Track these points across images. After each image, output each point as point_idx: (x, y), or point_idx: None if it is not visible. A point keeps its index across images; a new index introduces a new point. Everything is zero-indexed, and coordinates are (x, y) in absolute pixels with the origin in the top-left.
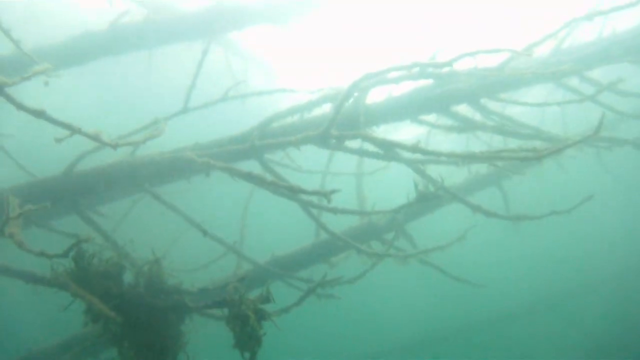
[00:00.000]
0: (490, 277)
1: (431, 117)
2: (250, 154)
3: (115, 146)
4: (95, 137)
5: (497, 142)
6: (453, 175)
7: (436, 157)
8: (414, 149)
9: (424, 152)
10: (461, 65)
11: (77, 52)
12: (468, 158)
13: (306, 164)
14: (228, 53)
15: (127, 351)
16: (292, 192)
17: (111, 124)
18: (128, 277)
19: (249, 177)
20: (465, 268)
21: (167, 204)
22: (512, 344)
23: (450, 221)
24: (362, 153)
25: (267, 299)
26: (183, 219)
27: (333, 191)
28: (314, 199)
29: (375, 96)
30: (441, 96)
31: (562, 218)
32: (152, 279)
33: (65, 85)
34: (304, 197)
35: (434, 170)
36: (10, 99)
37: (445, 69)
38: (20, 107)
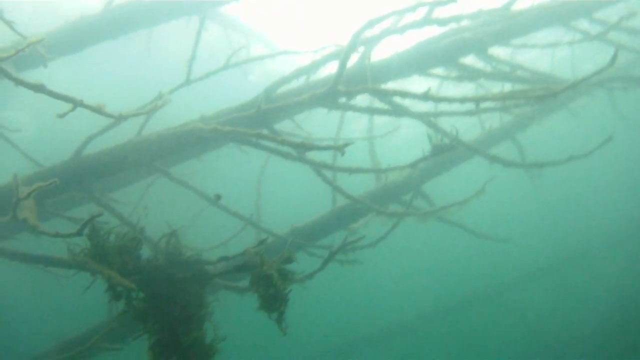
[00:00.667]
0: (512, 234)
1: (439, 72)
2: (257, 120)
3: (119, 118)
4: (97, 110)
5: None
6: (467, 133)
7: (448, 103)
8: (425, 96)
9: (436, 99)
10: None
11: (74, 39)
12: (482, 99)
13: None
14: (228, 30)
15: (152, 326)
16: (303, 149)
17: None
18: (145, 253)
19: (258, 136)
20: (484, 227)
21: (179, 180)
22: (538, 302)
23: (465, 182)
24: (372, 111)
25: (288, 259)
26: (196, 194)
27: (346, 144)
28: (327, 158)
29: (382, 54)
30: (447, 48)
31: (581, 169)
32: (170, 251)
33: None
34: (317, 159)
35: (446, 124)
36: (7, 74)
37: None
38: (18, 82)
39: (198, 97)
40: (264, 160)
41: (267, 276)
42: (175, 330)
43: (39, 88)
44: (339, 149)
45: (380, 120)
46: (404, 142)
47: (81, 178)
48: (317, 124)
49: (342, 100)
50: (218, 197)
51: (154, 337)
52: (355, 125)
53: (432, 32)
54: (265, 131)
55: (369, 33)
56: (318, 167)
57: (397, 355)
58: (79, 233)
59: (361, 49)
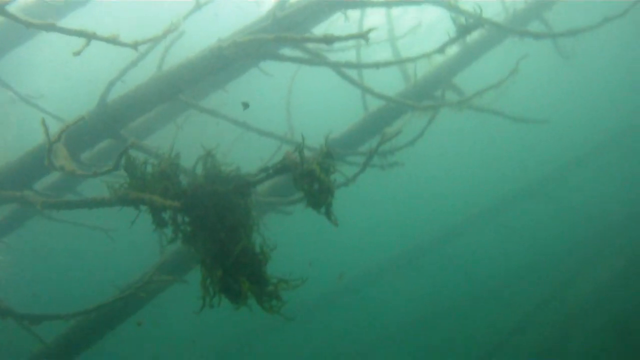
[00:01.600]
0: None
1: None
2: (274, 30)
3: (135, 46)
4: (112, 40)
5: None
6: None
7: None
8: None
9: None
10: None
11: None
12: None
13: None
14: None
15: (202, 246)
16: (326, 41)
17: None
18: (183, 181)
19: (278, 39)
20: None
21: (206, 109)
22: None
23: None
24: (390, 3)
25: (328, 154)
26: (226, 120)
27: (370, 30)
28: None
29: None
30: None
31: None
32: (208, 170)
33: None
34: (339, 60)
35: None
36: (14, 17)
37: None
38: (29, 25)
39: (211, 37)
40: (290, 80)
41: (310, 172)
42: (223, 242)
43: (49, 27)
44: (363, 35)
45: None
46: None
47: (109, 124)
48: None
49: None
50: (246, 105)
51: (204, 254)
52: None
53: None
54: (283, 34)
55: None
56: (342, 69)
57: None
58: (115, 167)
59: None
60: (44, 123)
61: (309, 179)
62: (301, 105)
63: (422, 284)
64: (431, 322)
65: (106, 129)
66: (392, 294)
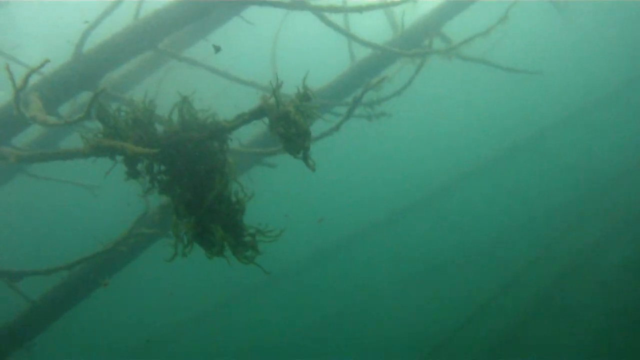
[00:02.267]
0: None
1: None
2: None
3: None
4: None
5: None
6: None
7: None
8: None
9: None
10: None
11: None
12: None
13: None
14: None
15: (180, 196)
16: None
17: None
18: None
19: None
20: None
21: (188, 59)
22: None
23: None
24: None
25: (305, 96)
26: (208, 70)
27: None
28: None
29: None
30: None
31: None
32: (184, 117)
33: None
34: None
35: None
36: None
37: None
38: None
39: None
40: (275, 31)
41: (285, 114)
42: (198, 189)
43: None
44: None
45: None
46: None
47: (86, 75)
48: None
49: None
50: (217, 48)
51: (178, 201)
52: None
53: None
54: None
55: None
56: (324, 13)
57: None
58: (87, 115)
59: None
60: (8, 69)
61: (285, 122)
62: (287, 57)
63: (412, 242)
64: (421, 280)
65: (82, 80)
66: (383, 252)
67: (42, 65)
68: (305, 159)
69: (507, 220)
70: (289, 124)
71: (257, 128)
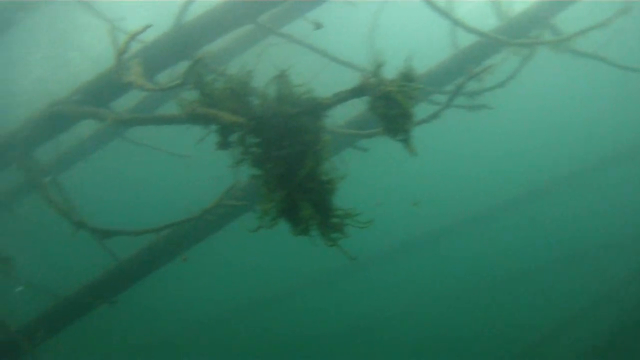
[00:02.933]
0: None
1: None
2: None
3: None
4: None
5: None
6: None
7: None
8: None
9: None
10: None
11: None
12: None
13: None
14: None
15: (272, 170)
16: None
17: None
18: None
19: None
20: None
21: (286, 35)
22: None
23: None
24: None
25: (408, 76)
26: (307, 48)
27: None
28: None
29: None
30: None
31: None
32: (280, 91)
33: None
34: None
35: None
36: None
37: None
38: None
39: None
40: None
41: (386, 94)
42: (290, 165)
43: None
44: None
45: None
46: None
47: (184, 45)
48: None
49: None
50: (319, 25)
51: (268, 175)
52: None
53: None
54: None
55: None
56: None
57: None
58: (184, 81)
59: None
60: (112, 33)
61: (386, 102)
62: (386, 41)
63: (502, 244)
64: (507, 283)
65: (181, 50)
66: (471, 251)
67: (144, 30)
68: (406, 141)
69: (611, 230)
70: (391, 104)
71: (353, 110)
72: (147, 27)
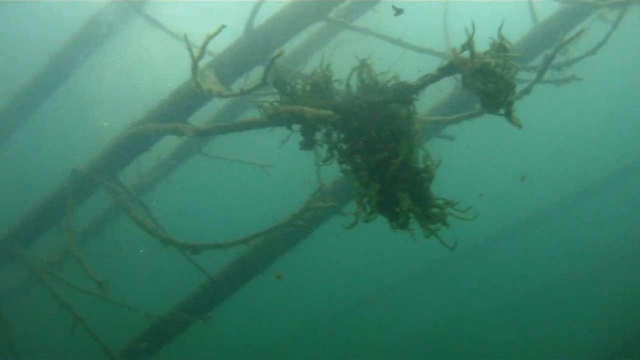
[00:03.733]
0: None
1: None
2: None
3: None
4: None
5: None
6: None
7: None
8: None
9: None
10: None
11: None
12: None
13: None
14: None
15: (363, 163)
16: None
17: None
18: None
19: None
20: None
21: (357, 27)
22: None
23: None
24: None
25: (502, 46)
26: (379, 38)
27: None
28: None
29: None
30: None
31: None
32: (364, 81)
33: None
34: None
35: None
36: None
37: None
38: None
39: None
40: None
41: (482, 66)
42: (382, 155)
43: None
44: None
45: None
46: None
47: (257, 49)
48: None
49: None
50: (399, 10)
51: (360, 168)
52: None
53: None
54: None
55: None
56: None
57: None
58: (263, 82)
59: None
60: (186, 39)
61: (483, 75)
62: (460, 24)
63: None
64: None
65: (254, 55)
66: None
67: (219, 31)
68: (509, 115)
69: None
70: (488, 77)
71: (434, 99)
72: (222, 27)
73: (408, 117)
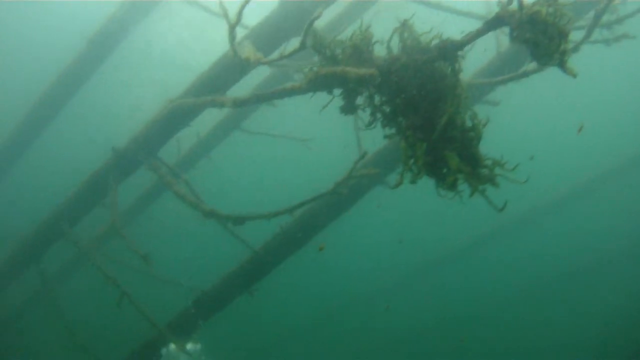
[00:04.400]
0: None
1: None
2: None
3: None
4: None
5: None
6: None
7: None
8: None
9: None
10: None
11: None
12: None
13: None
14: None
15: (408, 124)
16: None
17: None
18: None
19: None
20: None
21: None
22: None
23: None
24: None
25: None
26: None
27: None
28: None
29: None
30: None
31: None
32: (405, 41)
33: None
34: None
35: None
36: None
37: None
38: None
39: None
40: None
41: (532, 15)
42: (427, 115)
43: None
44: None
45: None
46: None
47: (294, 21)
48: None
49: None
50: None
51: (405, 128)
52: None
53: None
54: None
55: None
56: None
57: None
58: (302, 46)
59: None
60: (222, 4)
61: (533, 25)
62: None
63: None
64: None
65: (290, 26)
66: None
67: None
68: (563, 64)
69: None
70: (538, 26)
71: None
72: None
73: (453, 74)
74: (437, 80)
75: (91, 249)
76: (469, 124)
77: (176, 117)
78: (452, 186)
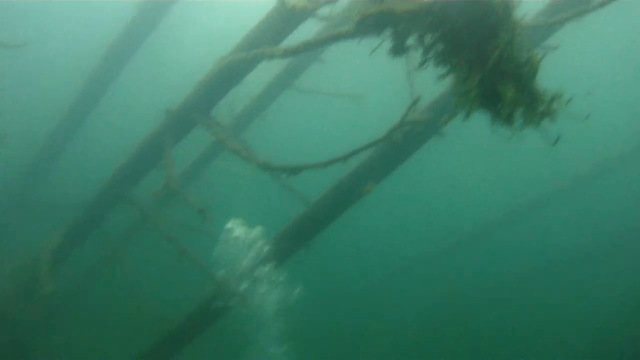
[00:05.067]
0: None
1: None
2: None
3: None
4: None
5: None
6: None
7: None
8: None
9: None
10: None
11: None
12: None
13: None
14: None
15: (461, 60)
16: None
17: None
18: None
19: None
20: None
21: None
22: None
23: None
24: None
25: None
26: None
27: None
28: None
29: None
30: None
31: None
32: None
33: None
34: None
35: None
36: None
37: None
38: None
39: None
40: None
41: None
42: (480, 49)
43: None
44: None
45: None
46: None
47: None
48: None
49: None
50: None
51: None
52: None
53: None
54: None
55: None
56: None
57: None
58: None
59: None
60: None
61: None
62: None
63: None
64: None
65: None
66: None
67: None
68: None
69: None
70: None
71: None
72: None
73: (505, 7)
74: (488, 15)
75: (150, 209)
76: (524, 58)
77: (228, 74)
78: (509, 120)
